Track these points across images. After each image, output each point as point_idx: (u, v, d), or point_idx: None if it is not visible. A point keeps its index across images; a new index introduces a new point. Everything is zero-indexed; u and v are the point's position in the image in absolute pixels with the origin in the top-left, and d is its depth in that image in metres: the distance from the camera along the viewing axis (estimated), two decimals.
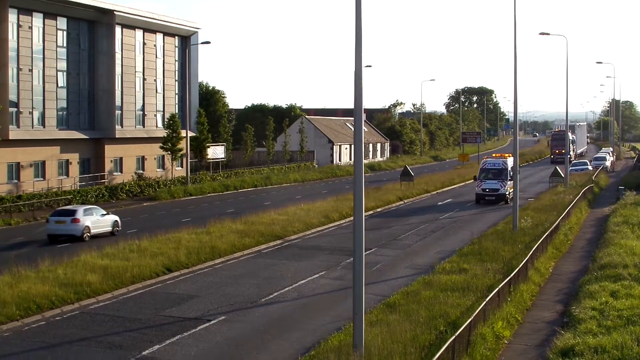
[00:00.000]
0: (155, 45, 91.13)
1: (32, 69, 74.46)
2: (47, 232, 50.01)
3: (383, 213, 65.28)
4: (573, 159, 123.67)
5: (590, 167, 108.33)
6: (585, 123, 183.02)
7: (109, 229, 52.18)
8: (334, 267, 39.93)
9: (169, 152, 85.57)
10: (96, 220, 51.28)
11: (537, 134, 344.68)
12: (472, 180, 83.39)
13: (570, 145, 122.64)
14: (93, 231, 50.41)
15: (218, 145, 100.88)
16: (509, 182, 68.25)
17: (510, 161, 69.90)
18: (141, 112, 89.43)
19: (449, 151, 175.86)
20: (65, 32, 79.32)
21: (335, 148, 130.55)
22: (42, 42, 75.89)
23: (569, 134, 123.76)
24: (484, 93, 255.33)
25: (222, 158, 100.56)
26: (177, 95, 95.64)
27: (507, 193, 69.05)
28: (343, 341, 24.17)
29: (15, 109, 72.68)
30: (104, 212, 52.96)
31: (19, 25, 72.57)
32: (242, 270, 38.99)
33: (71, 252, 39.21)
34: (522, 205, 58.69)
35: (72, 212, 50.60)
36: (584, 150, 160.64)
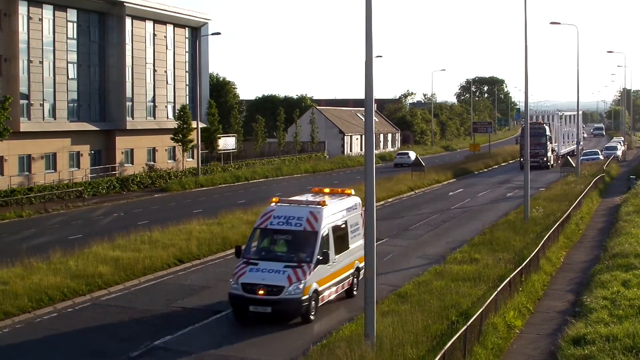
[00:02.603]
0: (165, 37, 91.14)
1: (42, 61, 74.53)
2: (395, 162, 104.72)
3: (394, 203, 65.22)
4: (552, 162, 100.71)
5: (601, 157, 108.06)
6: (580, 112, 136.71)
7: (409, 161, 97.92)
8: None
9: (180, 144, 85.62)
10: (414, 157, 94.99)
11: None
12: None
13: (548, 143, 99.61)
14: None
15: (229, 136, 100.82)
16: (315, 270, 28.28)
17: (330, 211, 30.26)
18: (152, 104, 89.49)
19: (459, 141, 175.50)
20: (75, 24, 79.36)
21: (346, 138, 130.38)
22: (52, 34, 75.94)
23: (546, 127, 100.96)
24: (494, 83, 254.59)
25: (233, 149, 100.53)
26: (187, 87, 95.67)
27: (308, 305, 27.97)
28: (355, 331, 24.19)
29: (26, 101, 72.80)
30: (414, 153, 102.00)
31: (29, 18, 72.63)
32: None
33: (82, 243, 39.26)
34: (533, 195, 58.60)
35: (408, 153, 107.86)
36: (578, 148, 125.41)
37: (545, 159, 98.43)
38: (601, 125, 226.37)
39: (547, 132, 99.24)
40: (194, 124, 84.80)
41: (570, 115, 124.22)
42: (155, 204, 66.00)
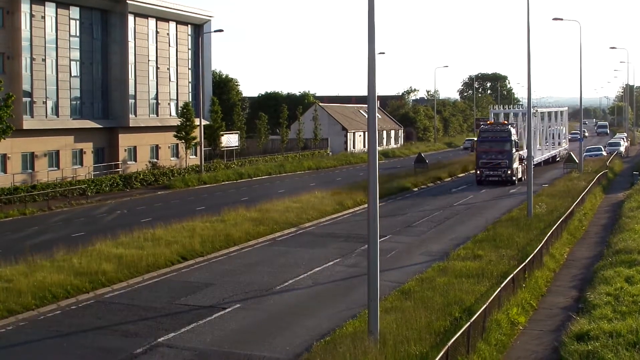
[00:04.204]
0: (168, 34, 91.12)
1: (45, 59, 74.56)
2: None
3: (397, 200, 65.20)
4: (520, 175, 76.96)
5: (604, 153, 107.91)
6: (566, 108, 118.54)
7: None
8: (349, 254, 39.94)
9: (183, 141, 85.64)
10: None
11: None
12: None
13: (513, 150, 74.84)
14: None
15: (232, 133, 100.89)
16: None
17: None
18: (155, 101, 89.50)
19: (462, 137, 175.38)
20: (78, 22, 79.39)
21: (349, 135, 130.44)
22: (55, 31, 75.95)
23: (512, 129, 76.25)
24: (497, 79, 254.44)
25: (236, 146, 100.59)
26: (190, 84, 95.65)
27: None
28: (358, 328, 24.21)
29: (29, 99, 72.84)
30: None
31: (31, 15, 72.65)
32: (257, 258, 39.04)
33: (86, 241, 39.32)
34: (536, 191, 58.59)
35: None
36: (562, 152, 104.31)
37: (509, 171, 74.12)
38: (605, 122, 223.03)
39: (513, 137, 75.60)
40: (196, 121, 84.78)
41: (555, 112, 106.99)
42: (159, 201, 66.05)
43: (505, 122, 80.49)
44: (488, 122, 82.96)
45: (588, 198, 58.26)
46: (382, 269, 24.54)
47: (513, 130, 76.30)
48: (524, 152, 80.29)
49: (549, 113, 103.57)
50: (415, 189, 73.33)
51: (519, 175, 76.55)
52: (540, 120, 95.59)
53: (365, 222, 23.05)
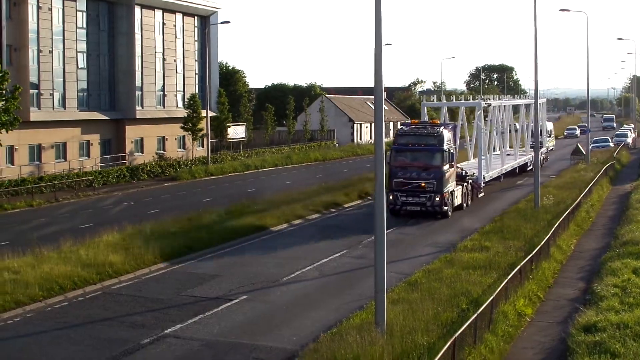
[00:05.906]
0: (174, 26, 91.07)
1: (52, 51, 74.56)
2: None
3: None
4: (461, 200, 52.03)
5: (611, 144, 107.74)
6: (545, 100, 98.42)
7: None
8: (356, 245, 39.91)
9: (190, 132, 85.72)
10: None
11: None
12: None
13: (446, 166, 48.06)
14: None
15: (239, 124, 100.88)
16: None
17: None
18: (161, 93, 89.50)
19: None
20: (84, 13, 79.39)
21: (356, 127, 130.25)
22: (62, 23, 75.95)
23: (446, 133, 49.58)
24: (504, 70, 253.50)
25: (242, 138, 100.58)
26: (197, 75, 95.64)
27: None
28: (365, 319, 24.20)
29: (36, 91, 72.90)
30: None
31: (38, 7, 72.65)
32: (264, 250, 39.02)
33: (93, 232, 39.32)
34: (543, 182, 58.46)
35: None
36: (543, 155, 77.33)
37: (437, 198, 47.82)
38: (611, 116, 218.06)
39: (447, 145, 49.10)
40: (203, 113, 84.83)
41: (525, 105, 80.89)
42: (165, 192, 66.10)
43: (437, 121, 55.69)
44: (411, 120, 59.48)
45: (595, 189, 58.16)
46: (388, 260, 24.51)
47: (447, 135, 50.19)
48: (469, 165, 62.40)
49: (517, 107, 79.27)
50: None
51: (459, 201, 51.88)
52: (504, 116, 71.18)
53: (372, 213, 23.02)
